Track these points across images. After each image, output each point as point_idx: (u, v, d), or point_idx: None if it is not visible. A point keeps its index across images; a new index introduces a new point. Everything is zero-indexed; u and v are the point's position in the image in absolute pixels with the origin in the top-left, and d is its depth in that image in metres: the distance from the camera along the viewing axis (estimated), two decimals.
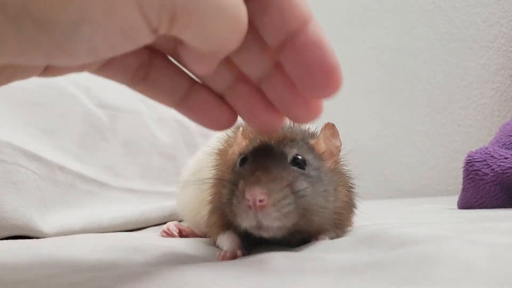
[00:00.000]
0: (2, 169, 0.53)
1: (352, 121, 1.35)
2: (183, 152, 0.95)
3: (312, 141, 0.43)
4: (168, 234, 0.58)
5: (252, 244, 0.42)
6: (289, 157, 0.38)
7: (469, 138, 1.30)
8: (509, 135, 0.72)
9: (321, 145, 0.43)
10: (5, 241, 0.51)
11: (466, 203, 0.71)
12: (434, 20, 1.40)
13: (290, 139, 0.41)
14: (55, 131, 0.68)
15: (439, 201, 0.91)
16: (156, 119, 0.92)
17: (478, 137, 1.30)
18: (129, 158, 0.82)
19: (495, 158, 0.67)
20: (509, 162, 0.66)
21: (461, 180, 0.72)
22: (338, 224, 0.44)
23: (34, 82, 0.69)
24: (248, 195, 0.34)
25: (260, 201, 0.34)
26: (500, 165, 0.66)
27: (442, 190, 1.29)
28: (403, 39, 1.42)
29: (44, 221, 0.56)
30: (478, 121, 1.32)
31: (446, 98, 1.35)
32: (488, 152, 0.69)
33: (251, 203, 0.34)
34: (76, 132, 0.72)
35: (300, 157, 0.39)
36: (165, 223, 0.62)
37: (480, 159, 0.69)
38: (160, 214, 0.77)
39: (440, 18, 1.40)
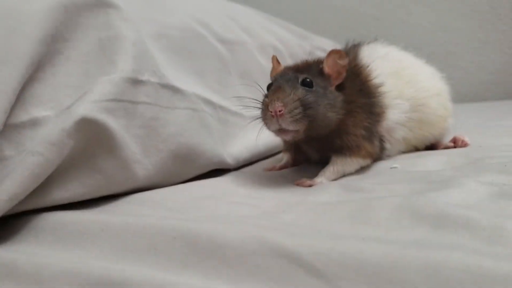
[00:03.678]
0: (197, 116, 0.63)
1: (413, 27, 1.41)
2: None
3: (322, 66, 0.60)
4: None
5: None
6: (300, 79, 0.56)
7: None
8: None
9: (327, 68, 0.59)
10: None
11: None
12: None
13: (305, 66, 0.60)
14: (203, 72, 0.74)
15: None
16: (258, 47, 0.98)
17: None
18: (246, 88, 0.89)
19: None
20: None
21: None
22: (352, 149, 0.57)
23: (177, 28, 0.73)
24: (270, 108, 0.52)
25: (280, 111, 0.51)
26: None
27: (500, 93, 1.38)
28: None
29: (227, 155, 0.67)
30: None
31: (508, 5, 1.39)
32: None
33: (273, 113, 0.51)
34: (214, 70, 0.78)
35: (308, 79, 0.57)
36: None
37: None
38: None
39: None
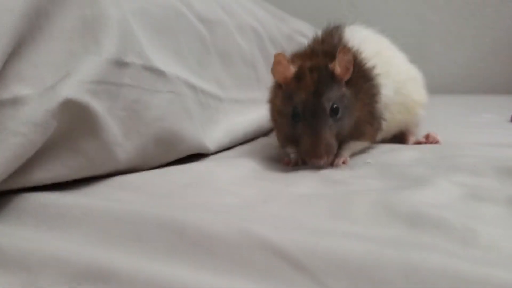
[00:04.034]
0: (179, 100, 0.62)
1: (389, 18, 1.43)
2: (259, 58, 1.02)
3: (331, 65, 0.60)
4: None
5: None
6: (328, 110, 0.57)
7: (499, 41, 1.42)
8: None
9: (338, 68, 0.60)
10: None
11: None
12: None
13: (316, 69, 0.59)
14: (183, 52, 0.73)
15: (491, 109, 1.05)
16: (237, 27, 0.97)
17: (507, 41, 1.41)
18: (225, 68, 0.89)
19: None
20: None
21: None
22: (358, 136, 0.61)
23: (158, 5, 0.72)
24: (312, 162, 0.58)
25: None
26: None
27: (468, 87, 1.43)
28: None
29: (207, 139, 0.67)
30: (506, 26, 1.42)
31: (481, 2, 1.43)
32: None
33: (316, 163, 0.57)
34: (195, 50, 0.77)
35: (335, 106, 0.58)
36: None
37: None
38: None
39: None
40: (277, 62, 0.60)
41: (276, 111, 0.63)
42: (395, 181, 0.52)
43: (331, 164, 0.60)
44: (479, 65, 1.45)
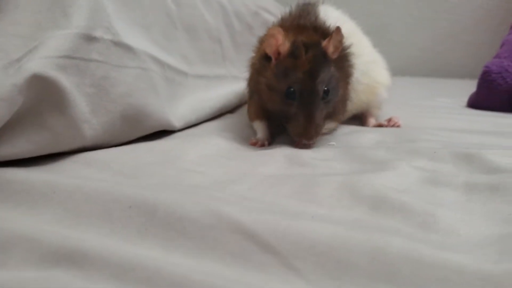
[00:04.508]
0: (146, 76, 0.62)
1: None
2: (225, 34, 1.01)
3: (324, 44, 0.61)
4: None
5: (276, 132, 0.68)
6: (321, 92, 0.59)
7: (456, 25, 1.46)
8: None
9: (331, 48, 0.61)
10: None
11: (476, 104, 0.90)
12: None
13: (319, 64, 0.59)
14: (150, 26, 0.71)
15: (448, 93, 1.09)
16: (203, 1, 0.95)
17: (464, 26, 1.46)
18: (192, 43, 0.87)
19: (509, 72, 0.85)
20: None
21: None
22: (332, 116, 0.64)
23: None
24: (304, 141, 0.59)
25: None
26: None
27: (426, 70, 1.48)
28: None
29: (173, 116, 0.67)
30: (466, 11, 1.47)
31: None
32: (503, 66, 0.86)
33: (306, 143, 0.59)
34: (161, 24, 0.75)
35: (326, 88, 0.59)
36: None
37: (497, 71, 0.86)
38: (236, 98, 0.89)
39: None
40: (271, 35, 0.59)
41: (265, 85, 0.61)
42: (358, 164, 0.54)
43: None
44: (438, 49, 1.50)
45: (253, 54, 0.73)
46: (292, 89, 0.58)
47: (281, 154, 0.58)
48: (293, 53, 0.59)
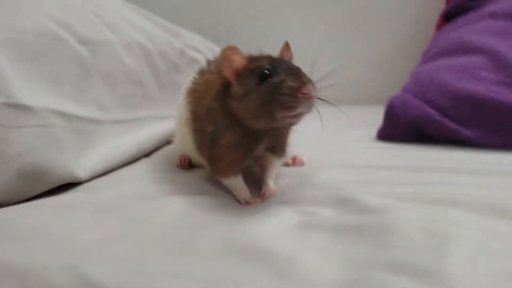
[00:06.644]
0: (47, 132, 0.64)
1: (284, 31, 1.52)
2: (148, 75, 1.04)
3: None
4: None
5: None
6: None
7: (381, 55, 1.56)
8: (420, 85, 0.96)
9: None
10: None
11: (383, 136, 0.96)
12: None
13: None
14: (59, 79, 0.73)
15: (361, 125, 1.15)
16: (123, 46, 0.97)
17: (383, 53, 1.56)
18: (109, 90, 0.88)
19: (410, 106, 0.92)
20: (418, 111, 0.90)
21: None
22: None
23: (31, 33, 0.72)
24: (305, 90, 0.51)
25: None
26: (413, 112, 0.91)
27: (353, 98, 1.56)
28: None
29: (79, 168, 0.69)
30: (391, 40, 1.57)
31: (366, 17, 1.56)
32: (404, 100, 0.93)
33: (308, 95, 0.51)
34: (73, 75, 0.77)
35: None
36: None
37: (399, 105, 0.93)
38: (155, 140, 0.92)
39: None
40: (225, 57, 0.56)
41: (238, 100, 0.56)
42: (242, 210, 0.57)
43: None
44: (364, 77, 1.59)
45: (191, 108, 0.66)
46: (265, 69, 0.54)
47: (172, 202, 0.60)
48: (252, 61, 0.58)
